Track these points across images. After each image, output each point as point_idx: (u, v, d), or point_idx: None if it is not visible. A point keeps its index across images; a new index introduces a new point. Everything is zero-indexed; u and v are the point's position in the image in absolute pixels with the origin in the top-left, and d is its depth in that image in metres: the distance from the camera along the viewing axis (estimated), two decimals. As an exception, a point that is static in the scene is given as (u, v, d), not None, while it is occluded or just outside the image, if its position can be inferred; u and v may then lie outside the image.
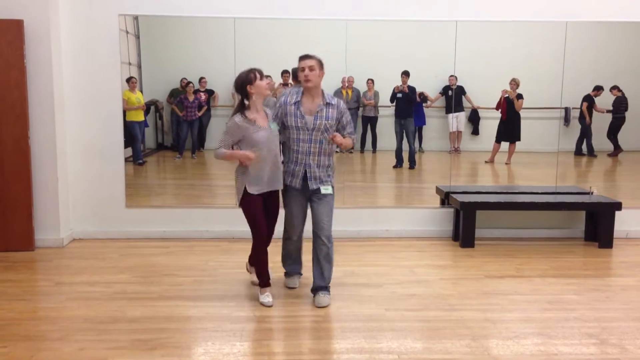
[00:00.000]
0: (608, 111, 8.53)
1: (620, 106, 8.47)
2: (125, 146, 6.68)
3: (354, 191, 7.57)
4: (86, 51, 6.23)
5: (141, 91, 7.66)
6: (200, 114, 8.17)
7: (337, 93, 8.03)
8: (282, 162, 4.60)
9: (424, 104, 8.69)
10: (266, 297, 4.54)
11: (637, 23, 6.67)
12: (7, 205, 5.91)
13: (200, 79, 8.10)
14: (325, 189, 4.51)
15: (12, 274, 5.29)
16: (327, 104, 4.47)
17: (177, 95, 8.21)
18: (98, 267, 5.48)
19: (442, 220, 6.68)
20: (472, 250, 6.18)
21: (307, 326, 4.24)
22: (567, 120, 8.55)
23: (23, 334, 4.00)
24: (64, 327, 4.11)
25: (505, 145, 8.54)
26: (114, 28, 6.23)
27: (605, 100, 8.50)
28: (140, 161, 7.95)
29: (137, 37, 7.64)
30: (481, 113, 8.91)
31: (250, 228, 4.48)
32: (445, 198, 6.73)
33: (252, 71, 4.36)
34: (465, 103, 8.79)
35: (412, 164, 8.72)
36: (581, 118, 8.57)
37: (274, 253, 5.13)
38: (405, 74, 8.21)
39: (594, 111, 8.53)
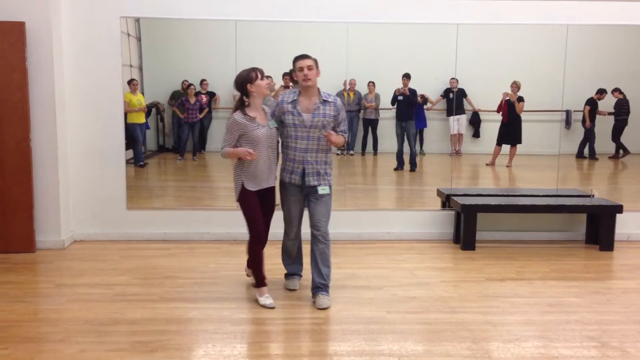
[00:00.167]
0: (610, 113, 8.53)
1: (622, 108, 8.47)
2: (126, 148, 6.69)
3: (355, 193, 7.57)
4: (87, 53, 6.24)
5: (142, 93, 7.67)
6: (201, 116, 8.18)
7: (339, 95, 8.03)
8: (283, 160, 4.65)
9: (424, 107, 8.70)
10: (267, 299, 4.55)
11: (638, 26, 6.67)
12: (8, 206, 5.91)
13: (202, 81, 8.11)
14: (323, 189, 4.53)
15: (12, 276, 5.29)
16: (324, 102, 4.50)
17: (179, 97, 8.23)
18: (99, 269, 5.48)
19: (443, 222, 6.68)
20: (473, 252, 6.17)
21: (307, 328, 4.24)
22: (568, 123, 8.55)
23: (24, 335, 4.00)
24: (64, 329, 4.10)
25: (506, 147, 8.54)
26: (115, 30, 6.24)
27: (606, 103, 8.50)
28: (141, 163, 7.95)
29: (139, 39, 7.65)
30: (482, 116, 8.91)
31: (247, 223, 4.52)
32: (446, 200, 6.72)
33: (253, 70, 4.42)
34: (466, 106, 8.79)
35: (413, 166, 8.72)
36: (584, 121, 8.58)
37: (275, 255, 5.13)
38: (406, 76, 8.22)
39: (597, 115, 8.53)
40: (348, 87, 8.36)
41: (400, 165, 8.70)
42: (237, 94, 4.50)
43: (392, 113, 8.54)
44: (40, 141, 5.98)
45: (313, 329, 4.20)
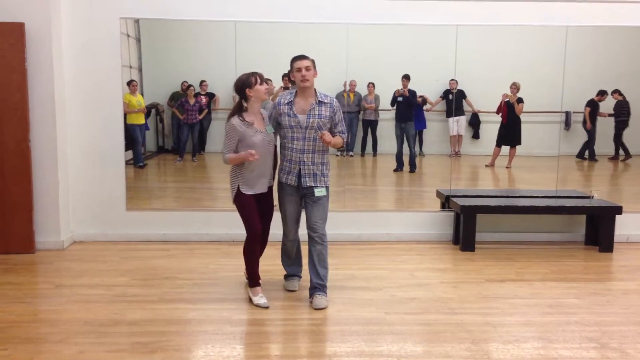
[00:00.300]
0: (610, 115, 8.53)
1: (622, 110, 8.47)
2: (126, 149, 6.69)
3: (355, 195, 7.57)
4: (87, 54, 6.25)
5: (142, 94, 7.67)
6: (201, 117, 8.18)
7: (339, 96, 8.04)
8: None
9: (424, 108, 8.70)
10: (261, 299, 4.56)
11: (638, 27, 6.68)
12: (7, 207, 5.91)
13: (201, 82, 8.11)
14: (319, 192, 4.54)
15: (12, 277, 5.28)
16: (320, 102, 4.51)
17: (178, 98, 8.23)
18: (98, 270, 5.48)
19: (442, 223, 6.68)
20: (473, 253, 6.17)
21: (307, 329, 4.23)
22: (567, 124, 8.55)
23: (23, 336, 3.99)
24: (64, 329, 4.10)
25: (505, 149, 8.54)
26: (115, 31, 6.25)
27: (607, 104, 8.51)
28: (141, 164, 7.96)
29: (138, 40, 7.65)
30: (482, 117, 8.92)
31: (244, 223, 4.54)
32: (446, 202, 6.73)
33: (252, 75, 4.44)
34: (465, 107, 8.79)
35: (413, 167, 8.72)
36: (585, 123, 8.58)
37: (275, 256, 5.13)
38: (406, 77, 8.22)
39: (597, 116, 8.53)
40: (348, 88, 8.36)
41: (399, 167, 8.70)
42: (237, 95, 4.52)
43: (392, 114, 8.54)
44: (40, 142, 5.98)
45: (312, 330, 4.21)
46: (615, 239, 6.35)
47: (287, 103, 4.53)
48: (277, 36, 7.29)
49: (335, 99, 4.62)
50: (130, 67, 7.31)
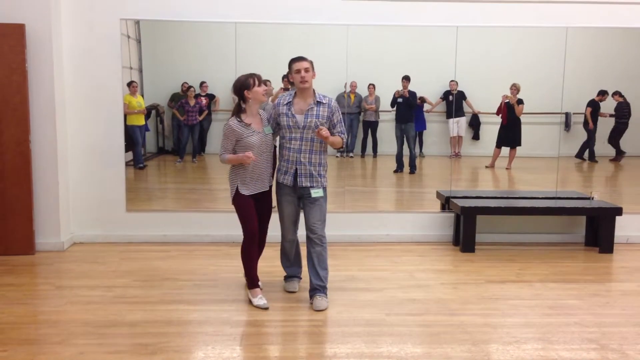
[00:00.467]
0: (611, 115, 8.53)
1: (622, 111, 8.47)
2: (126, 150, 6.69)
3: (355, 196, 7.57)
4: (87, 55, 6.25)
5: (142, 95, 7.67)
6: (201, 118, 8.17)
7: (340, 98, 8.04)
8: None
9: (424, 109, 8.69)
10: (260, 300, 4.56)
11: (637, 29, 6.68)
12: (7, 208, 5.91)
13: (201, 84, 8.11)
14: (316, 192, 4.55)
15: (12, 278, 5.28)
16: (318, 103, 4.53)
17: (178, 99, 8.22)
18: (98, 271, 5.48)
19: (442, 225, 6.68)
20: (473, 255, 6.17)
21: (307, 330, 4.23)
22: (567, 125, 8.55)
23: (23, 337, 4.00)
24: (64, 330, 4.10)
25: (505, 150, 8.54)
26: (115, 32, 6.25)
27: (607, 105, 8.50)
28: (141, 165, 7.95)
29: (139, 41, 7.65)
30: (482, 118, 8.91)
31: (241, 224, 4.55)
32: (446, 203, 6.73)
33: (251, 76, 4.46)
34: (465, 108, 8.79)
35: (413, 168, 8.71)
36: (585, 123, 8.58)
37: (274, 257, 5.13)
38: (406, 78, 8.22)
39: (598, 116, 8.53)
40: (349, 89, 8.36)
41: (399, 168, 8.70)
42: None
43: (392, 115, 8.54)
44: (40, 143, 5.98)
45: (312, 331, 4.20)
46: (616, 240, 6.35)
47: (286, 104, 4.55)
48: (278, 37, 7.30)
49: (333, 100, 4.63)
50: (131, 68, 7.30)
